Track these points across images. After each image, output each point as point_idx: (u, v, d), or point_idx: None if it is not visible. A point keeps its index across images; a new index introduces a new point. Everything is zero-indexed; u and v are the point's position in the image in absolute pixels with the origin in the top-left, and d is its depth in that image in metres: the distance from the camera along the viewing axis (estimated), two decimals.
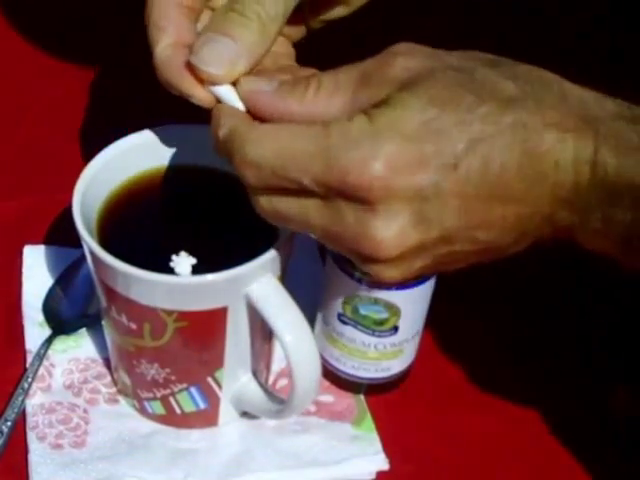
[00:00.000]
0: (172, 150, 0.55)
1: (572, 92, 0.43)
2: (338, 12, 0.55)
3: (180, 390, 0.54)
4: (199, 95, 0.48)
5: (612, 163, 0.41)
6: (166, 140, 0.54)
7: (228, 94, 0.48)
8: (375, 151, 0.41)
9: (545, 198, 0.42)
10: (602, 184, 0.42)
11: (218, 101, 0.48)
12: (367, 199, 0.42)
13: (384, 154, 0.41)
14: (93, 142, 0.54)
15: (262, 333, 0.53)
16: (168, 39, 0.48)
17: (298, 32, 0.55)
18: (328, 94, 0.44)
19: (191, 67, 0.47)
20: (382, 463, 0.55)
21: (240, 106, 0.47)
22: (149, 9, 0.49)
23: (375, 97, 0.43)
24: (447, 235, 0.43)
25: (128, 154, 0.54)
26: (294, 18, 0.52)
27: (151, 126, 0.54)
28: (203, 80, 0.47)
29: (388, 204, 0.42)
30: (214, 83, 0.47)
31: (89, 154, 0.53)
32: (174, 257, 0.51)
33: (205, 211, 0.55)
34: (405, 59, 0.43)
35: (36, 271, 0.63)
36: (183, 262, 0.51)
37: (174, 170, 0.55)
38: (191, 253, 0.52)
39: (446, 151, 0.41)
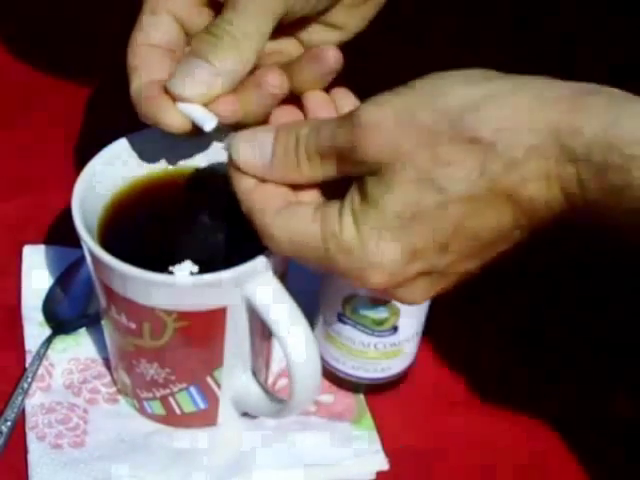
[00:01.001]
0: (173, 151, 0.55)
1: (544, 119, 0.40)
2: (333, 38, 0.55)
3: (179, 390, 0.54)
4: (169, 122, 0.49)
5: (595, 187, 0.40)
6: (167, 141, 0.54)
7: (198, 113, 0.49)
8: (367, 264, 0.43)
9: (545, 220, 0.43)
10: (593, 200, 0.41)
11: (192, 128, 0.49)
12: (379, 292, 0.45)
13: (376, 266, 0.43)
14: (93, 142, 0.54)
15: (261, 333, 0.53)
16: (140, 79, 0.50)
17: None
18: (319, 163, 0.45)
19: (169, 94, 0.49)
20: (382, 463, 0.55)
21: (212, 123, 0.48)
22: (127, 50, 0.51)
23: (355, 172, 0.44)
24: (469, 272, 0.45)
25: (129, 154, 0.54)
26: (292, 46, 0.53)
27: (152, 126, 0.54)
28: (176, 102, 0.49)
29: (400, 289, 0.45)
30: (194, 102, 0.49)
31: (89, 154, 0.53)
32: (176, 266, 0.51)
33: (205, 211, 0.55)
34: (374, 138, 0.42)
35: (36, 271, 0.63)
36: (184, 269, 0.51)
37: (175, 171, 0.55)
38: (191, 253, 0.52)
39: (433, 240, 0.43)
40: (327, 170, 0.45)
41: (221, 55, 0.49)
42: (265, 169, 0.46)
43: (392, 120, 0.42)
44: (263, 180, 0.47)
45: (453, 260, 0.44)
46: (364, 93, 0.46)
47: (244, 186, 0.47)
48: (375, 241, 0.43)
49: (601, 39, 0.78)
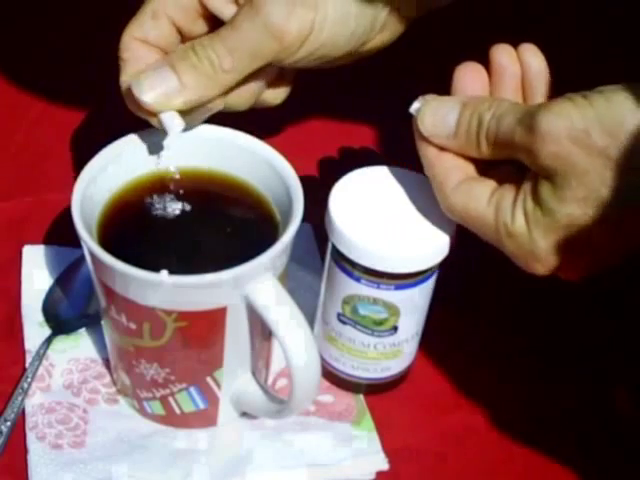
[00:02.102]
0: (173, 151, 0.55)
1: None
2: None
3: (179, 390, 0.54)
4: (151, 119, 0.51)
5: None
6: (167, 140, 0.54)
7: (167, 115, 0.50)
8: (532, 257, 0.48)
9: None
10: None
11: None
12: None
13: (540, 260, 0.48)
14: (93, 142, 0.54)
15: (261, 333, 0.53)
16: (128, 72, 0.52)
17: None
18: (496, 149, 0.48)
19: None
20: (382, 463, 0.55)
21: (177, 129, 0.50)
22: (120, 42, 0.53)
23: (529, 165, 0.47)
24: (618, 259, 0.49)
25: (129, 154, 0.54)
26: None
27: (152, 126, 0.54)
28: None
29: (559, 273, 0.49)
30: (148, 109, 0.50)
31: (89, 154, 0.53)
32: (176, 265, 0.51)
33: (206, 211, 0.55)
34: (550, 147, 0.45)
35: (36, 271, 0.63)
36: (183, 268, 0.51)
37: (175, 170, 0.55)
38: (191, 253, 0.52)
39: (593, 244, 0.47)
40: (503, 155, 0.49)
41: (194, 79, 0.50)
42: (447, 140, 0.50)
43: (568, 135, 0.45)
44: (444, 149, 0.50)
45: (606, 255, 0.48)
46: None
47: (428, 153, 0.50)
48: (542, 241, 0.48)
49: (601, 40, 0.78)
